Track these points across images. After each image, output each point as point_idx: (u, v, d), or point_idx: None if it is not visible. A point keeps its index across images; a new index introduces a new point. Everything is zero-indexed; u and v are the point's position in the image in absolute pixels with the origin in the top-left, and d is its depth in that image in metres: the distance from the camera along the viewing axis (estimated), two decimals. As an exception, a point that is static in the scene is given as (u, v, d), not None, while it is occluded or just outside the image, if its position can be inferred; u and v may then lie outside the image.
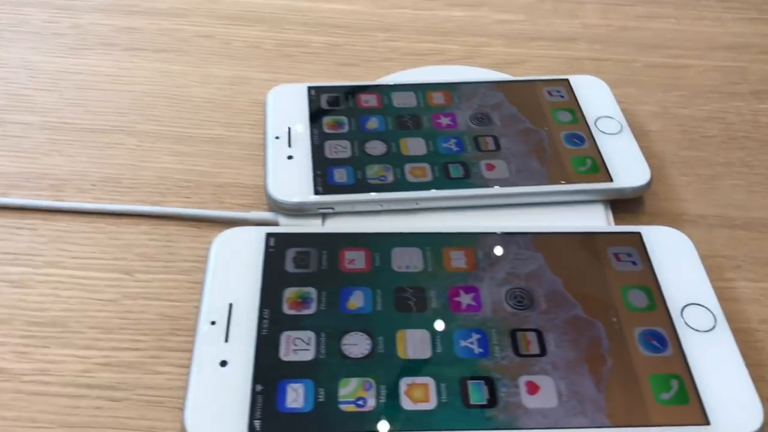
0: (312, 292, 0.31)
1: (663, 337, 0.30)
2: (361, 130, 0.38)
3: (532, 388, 0.28)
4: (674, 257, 0.33)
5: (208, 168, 0.38)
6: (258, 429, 0.27)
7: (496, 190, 0.35)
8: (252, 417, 0.27)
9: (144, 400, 0.29)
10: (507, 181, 0.36)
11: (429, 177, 0.36)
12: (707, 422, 0.28)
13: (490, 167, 0.37)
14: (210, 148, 0.39)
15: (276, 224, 0.35)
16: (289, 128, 0.38)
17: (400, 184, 0.35)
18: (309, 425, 0.27)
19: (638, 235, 0.34)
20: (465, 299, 0.31)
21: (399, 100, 0.40)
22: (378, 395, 0.28)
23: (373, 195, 0.35)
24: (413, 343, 0.29)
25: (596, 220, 0.36)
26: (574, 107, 0.40)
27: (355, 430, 0.27)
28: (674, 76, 0.45)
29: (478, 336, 0.30)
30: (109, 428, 0.28)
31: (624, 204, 0.37)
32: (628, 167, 0.37)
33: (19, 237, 0.34)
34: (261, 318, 0.30)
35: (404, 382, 0.28)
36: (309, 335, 0.30)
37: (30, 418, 0.28)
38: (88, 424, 0.28)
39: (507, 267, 0.32)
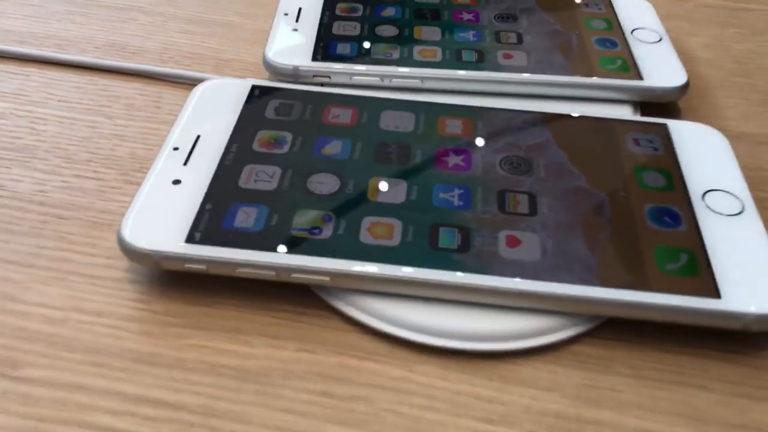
0: (287, 136, 0.29)
1: (677, 214, 0.26)
2: (375, 16, 0.36)
3: (513, 242, 0.25)
4: (703, 149, 0.29)
5: (215, 46, 0.37)
6: (197, 239, 0.24)
7: (509, 75, 0.32)
8: (194, 229, 0.24)
9: (92, 221, 0.27)
10: (524, 69, 0.33)
11: (438, 58, 0.33)
12: (717, 295, 0.23)
13: (508, 56, 0.34)
14: (222, 31, 0.38)
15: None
16: (300, 8, 0.36)
17: (405, 61, 0.33)
18: (252, 242, 0.24)
19: (664, 126, 0.30)
20: (453, 159, 0.28)
21: (421, -5, 0.38)
22: (336, 227, 0.25)
23: (373, 67, 0.32)
24: (386, 190, 0.26)
25: (621, 121, 0.32)
26: (610, 18, 0.37)
27: (302, 253, 0.24)
28: (733, 17, 0.41)
29: (460, 191, 0.27)
30: (49, 239, 0.26)
31: (657, 112, 0.33)
32: (662, 69, 0.33)
33: (11, 81, 0.34)
34: (227, 150, 0.28)
35: (368, 220, 0.25)
36: (274, 170, 0.27)
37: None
38: (28, 233, 0.26)
39: (508, 138, 0.29)
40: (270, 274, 0.24)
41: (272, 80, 0.33)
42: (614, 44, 0.35)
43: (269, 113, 0.30)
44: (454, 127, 0.29)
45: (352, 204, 0.26)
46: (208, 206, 0.25)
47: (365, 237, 0.25)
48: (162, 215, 0.25)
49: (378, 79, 0.32)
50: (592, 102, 0.33)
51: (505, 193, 0.27)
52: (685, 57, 0.38)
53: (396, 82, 0.32)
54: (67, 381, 0.22)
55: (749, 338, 0.24)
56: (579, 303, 0.23)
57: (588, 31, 0.36)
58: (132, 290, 0.25)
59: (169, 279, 0.25)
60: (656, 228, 0.26)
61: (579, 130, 0.30)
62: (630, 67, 0.33)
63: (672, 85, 0.32)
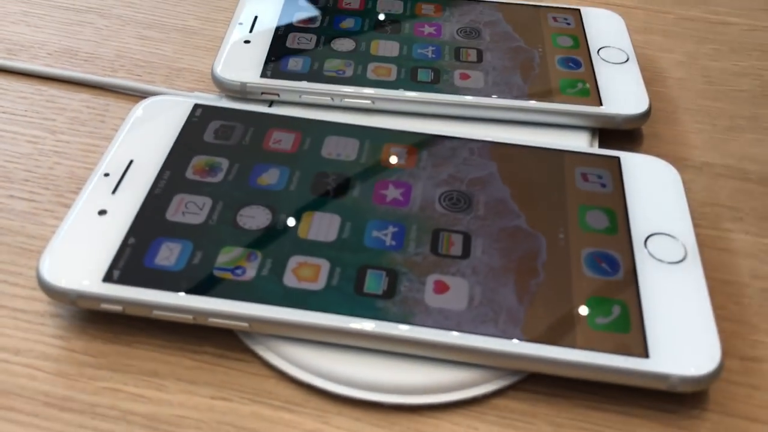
0: (223, 162, 0.28)
1: (616, 261, 0.25)
2: (333, 27, 0.35)
3: (441, 288, 0.24)
4: (653, 187, 0.28)
5: (170, 53, 0.36)
6: (115, 278, 0.23)
7: (463, 98, 0.31)
8: (113, 266, 0.24)
9: (20, 247, 0.27)
10: (480, 91, 0.32)
11: (392, 77, 0.32)
12: (645, 354, 0.22)
13: (465, 76, 0.32)
14: (179, 36, 0.37)
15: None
16: (256, 17, 0.35)
17: (358, 80, 0.32)
18: (171, 283, 0.23)
19: (616, 160, 0.29)
20: (392, 193, 0.27)
21: (383, 5, 0.36)
22: (261, 268, 0.24)
23: (323, 86, 0.31)
24: (319, 226, 0.26)
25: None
26: (578, 35, 0.35)
27: (221, 296, 0.23)
28: (712, 31, 0.40)
29: (395, 229, 0.26)
30: (-26, 268, 0.26)
31: (617, 138, 0.32)
32: (624, 95, 0.32)
33: (-43, 88, 0.33)
34: (159, 178, 0.27)
35: (295, 260, 0.24)
36: (205, 201, 0.26)
37: None
38: (-47, 260, 0.26)
39: (451, 170, 0.28)
40: (187, 318, 0.23)
41: (220, 95, 0.32)
42: (578, 65, 0.33)
43: (208, 136, 0.29)
44: (397, 156, 0.29)
45: (281, 241, 0.25)
46: (130, 241, 0.25)
47: (289, 279, 0.24)
48: (83, 250, 0.24)
49: (328, 98, 0.31)
50: (550, 127, 0.32)
51: (440, 233, 0.26)
52: (656, 76, 0.36)
53: (347, 102, 0.31)
54: (-26, 426, 0.22)
55: (678, 396, 0.23)
56: (500, 358, 0.23)
57: (553, 48, 0.34)
58: (52, 325, 0.24)
59: (91, 315, 0.25)
60: (592, 276, 0.25)
61: (527, 163, 0.29)
62: (591, 91, 0.32)
63: (631, 112, 0.31)
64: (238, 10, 0.35)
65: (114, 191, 0.26)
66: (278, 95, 0.31)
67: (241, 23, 0.34)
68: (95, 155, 0.30)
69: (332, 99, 0.31)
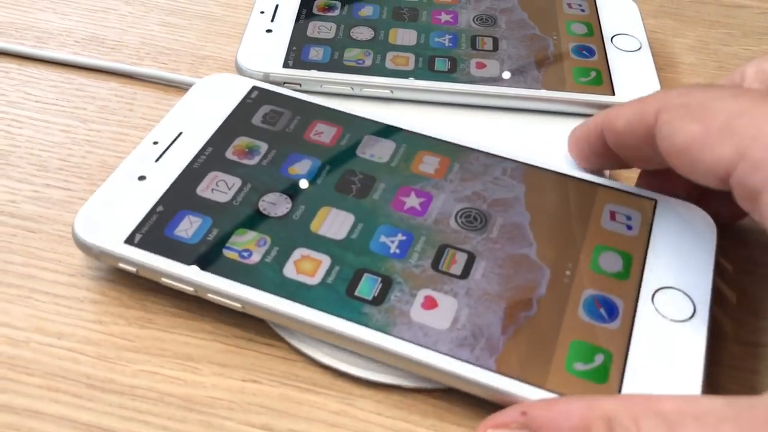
0: (262, 146, 0.29)
1: (615, 308, 0.24)
2: (352, 15, 0.36)
3: (429, 304, 0.24)
4: (683, 236, 0.26)
5: (193, 41, 0.37)
6: (135, 242, 0.25)
7: (479, 88, 0.32)
8: (136, 230, 0.26)
9: (59, 235, 0.28)
10: (494, 81, 0.33)
11: (410, 66, 0.33)
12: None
13: (481, 65, 0.33)
14: (201, 23, 0.38)
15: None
16: (277, 5, 0.36)
17: (377, 70, 0.33)
18: (182, 255, 0.25)
19: (652, 202, 0.27)
20: (412, 201, 0.28)
21: (401, -8, 0.37)
22: (266, 254, 0.25)
23: (344, 76, 0.32)
24: (331, 222, 0.27)
25: (590, 136, 0.32)
26: (592, 21, 0.36)
27: (222, 275, 0.25)
28: (724, 15, 0.40)
29: (403, 237, 0.26)
30: (17, 255, 0.27)
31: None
32: (636, 84, 0.33)
33: (-9, 77, 0.34)
34: (200, 153, 0.28)
35: (299, 252, 0.26)
36: (235, 181, 0.28)
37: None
38: (-2, 248, 0.28)
39: (477, 186, 0.28)
40: (189, 290, 0.25)
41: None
42: (591, 53, 0.34)
43: (256, 119, 0.30)
44: (428, 165, 0.29)
45: (292, 232, 0.26)
46: (159, 209, 0.26)
47: (289, 270, 0.25)
48: (116, 211, 0.26)
49: (348, 88, 0.32)
50: (564, 116, 0.32)
51: (445, 249, 0.26)
52: (668, 62, 0.37)
53: (366, 91, 0.32)
54: (23, 406, 0.23)
55: None
56: (464, 383, 0.23)
57: (567, 36, 0.35)
58: (92, 311, 0.26)
59: (128, 300, 0.26)
60: (585, 319, 0.24)
61: (557, 191, 0.28)
62: (603, 80, 0.33)
63: (644, 102, 0.32)
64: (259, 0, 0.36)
65: (158, 159, 0.28)
66: (300, 85, 0.32)
67: (262, 12, 0.35)
68: (125, 144, 0.31)
69: (352, 89, 0.32)
